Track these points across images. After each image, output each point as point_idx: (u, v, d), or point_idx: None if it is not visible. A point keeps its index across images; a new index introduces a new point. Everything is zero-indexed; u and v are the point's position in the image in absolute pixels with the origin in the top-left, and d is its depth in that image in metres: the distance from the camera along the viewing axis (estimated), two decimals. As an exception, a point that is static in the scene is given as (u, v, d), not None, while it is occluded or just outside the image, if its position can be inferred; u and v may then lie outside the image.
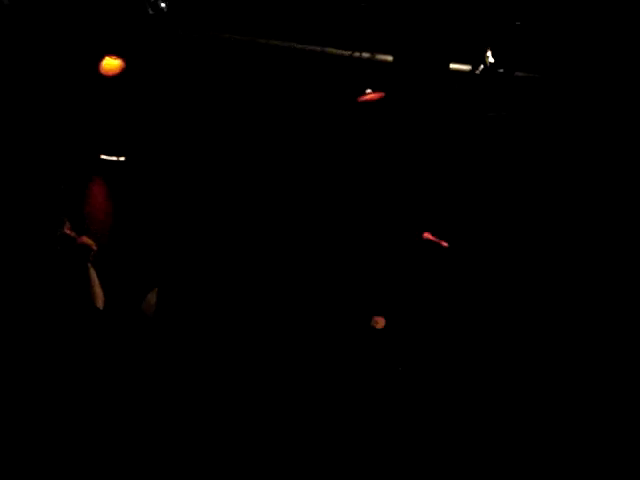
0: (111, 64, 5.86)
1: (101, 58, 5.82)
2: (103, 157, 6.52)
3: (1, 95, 5.41)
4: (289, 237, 6.36)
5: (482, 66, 5.98)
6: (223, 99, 6.39)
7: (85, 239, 5.00)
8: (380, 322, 5.85)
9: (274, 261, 6.13)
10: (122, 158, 6.62)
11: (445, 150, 6.72)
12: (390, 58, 6.12)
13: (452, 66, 6.11)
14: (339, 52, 6.02)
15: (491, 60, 5.94)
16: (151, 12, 5.24)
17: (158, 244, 6.38)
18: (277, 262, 6.15)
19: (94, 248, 5.02)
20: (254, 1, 5.52)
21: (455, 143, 6.67)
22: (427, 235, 6.14)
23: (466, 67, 6.15)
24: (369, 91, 6.37)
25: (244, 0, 5.49)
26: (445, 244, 5.94)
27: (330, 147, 6.70)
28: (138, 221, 6.48)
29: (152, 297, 5.20)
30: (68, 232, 4.98)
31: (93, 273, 4.98)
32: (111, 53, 5.73)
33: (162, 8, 5.21)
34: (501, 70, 5.93)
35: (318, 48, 5.98)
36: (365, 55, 6.08)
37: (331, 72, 6.25)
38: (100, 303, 4.53)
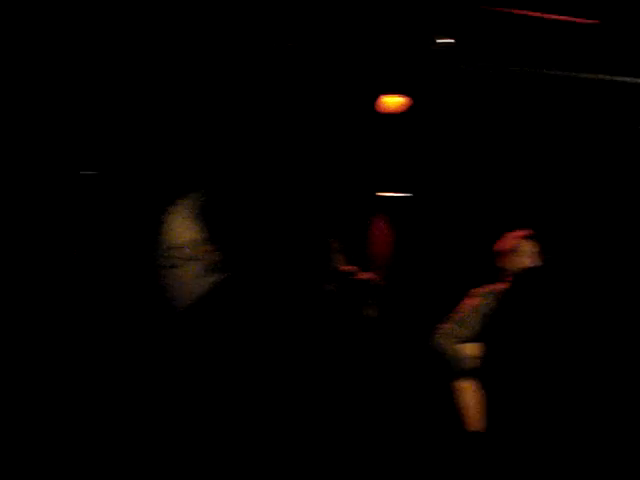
0: (394, 102, 5.94)
1: (381, 95, 5.92)
2: (386, 194, 6.61)
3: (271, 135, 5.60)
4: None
5: None
6: (504, 133, 6.30)
7: (367, 275, 5.04)
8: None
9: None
10: (405, 194, 6.68)
11: None
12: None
13: None
14: (633, 80, 5.75)
15: None
16: (434, 47, 5.26)
17: (440, 279, 6.37)
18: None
19: (377, 283, 5.06)
20: (537, 33, 5.39)
21: None
22: None
23: None
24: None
25: (527, 33, 5.38)
26: None
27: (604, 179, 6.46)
28: (420, 257, 6.52)
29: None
30: (345, 268, 5.05)
31: (373, 308, 5.03)
32: (393, 91, 5.82)
33: (446, 43, 5.22)
34: None
35: (607, 77, 5.75)
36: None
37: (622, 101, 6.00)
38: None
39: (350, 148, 5.80)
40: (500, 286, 5.39)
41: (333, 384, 1.50)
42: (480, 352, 5.32)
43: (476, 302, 5.39)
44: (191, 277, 5.63)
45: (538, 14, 4.95)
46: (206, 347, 1.57)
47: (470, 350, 5.34)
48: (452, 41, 5.21)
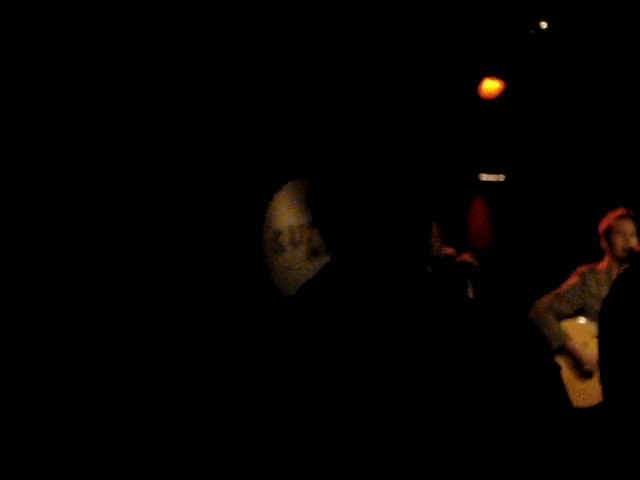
0: (491, 86, 5.99)
1: (481, 80, 5.96)
2: (484, 177, 6.67)
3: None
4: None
5: None
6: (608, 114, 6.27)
7: (466, 256, 5.14)
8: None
9: None
10: (502, 178, 6.72)
11: None
12: None
13: None
14: None
15: None
16: (532, 32, 5.29)
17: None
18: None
19: (475, 265, 5.15)
20: (628, 15, 5.36)
21: None
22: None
23: None
24: None
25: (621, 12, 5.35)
26: None
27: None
28: (517, 239, 6.55)
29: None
30: (447, 251, 5.14)
31: (471, 290, 5.12)
32: (492, 75, 5.86)
33: (543, 28, 5.24)
34: None
35: None
36: None
37: None
38: None
39: (451, 132, 5.88)
40: (603, 264, 5.42)
41: (443, 370, 1.52)
42: (580, 330, 5.37)
43: (579, 280, 5.43)
44: (296, 261, 5.81)
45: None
46: (313, 335, 1.56)
47: (569, 327, 5.40)
48: (546, 25, 5.23)
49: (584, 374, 5.29)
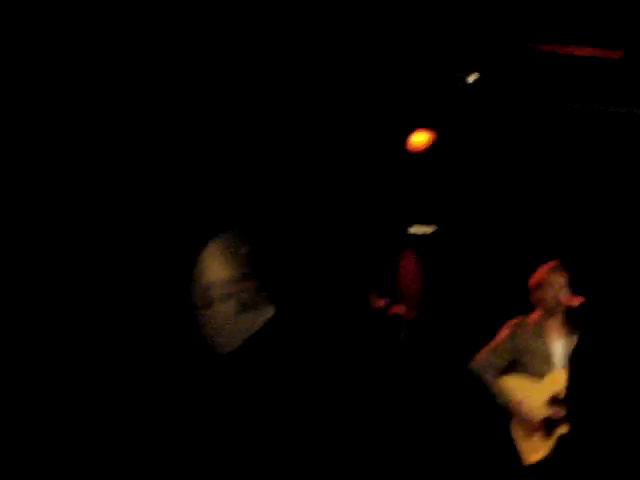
0: (420, 138, 6.00)
1: (411, 133, 5.97)
2: (413, 231, 6.67)
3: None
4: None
5: None
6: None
7: (398, 308, 5.11)
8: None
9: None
10: (431, 229, 6.73)
11: None
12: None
13: None
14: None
15: None
16: (461, 85, 5.32)
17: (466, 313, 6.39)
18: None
19: (408, 316, 5.12)
20: (557, 66, 5.45)
21: None
22: None
23: None
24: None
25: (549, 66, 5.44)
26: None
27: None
28: (449, 290, 6.54)
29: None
30: (379, 304, 5.11)
31: (403, 340, 5.10)
32: (421, 127, 5.88)
33: (472, 80, 5.28)
34: None
35: (624, 109, 5.79)
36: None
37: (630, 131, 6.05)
38: None
39: (380, 185, 5.87)
40: (534, 317, 5.42)
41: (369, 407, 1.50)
42: (520, 384, 5.36)
43: (510, 333, 5.43)
44: (226, 316, 5.69)
45: (564, 49, 5.01)
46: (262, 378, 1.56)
47: (511, 382, 5.37)
48: (478, 76, 5.27)
49: (530, 429, 5.26)
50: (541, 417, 5.20)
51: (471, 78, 5.32)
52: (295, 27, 4.87)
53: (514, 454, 5.20)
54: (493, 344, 5.41)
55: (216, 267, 5.65)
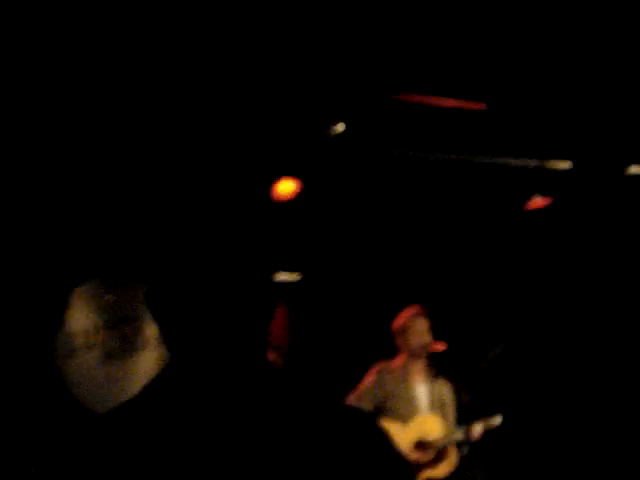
0: (286, 187, 6.02)
1: (276, 181, 5.98)
2: (279, 278, 6.67)
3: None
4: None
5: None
6: (391, 212, 6.47)
7: (269, 356, 5.09)
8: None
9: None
10: (297, 277, 6.76)
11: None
12: (559, 164, 6.07)
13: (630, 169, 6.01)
14: (507, 161, 5.99)
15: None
16: (327, 134, 5.38)
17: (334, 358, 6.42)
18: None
19: (277, 363, 5.09)
20: (423, 117, 5.60)
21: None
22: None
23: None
24: (537, 198, 6.34)
25: (414, 117, 5.57)
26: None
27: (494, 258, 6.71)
28: (315, 336, 6.56)
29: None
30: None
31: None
32: (287, 175, 5.90)
33: (340, 130, 5.35)
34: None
35: (487, 159, 6.00)
36: (533, 163, 6.06)
37: (500, 182, 6.26)
38: None
39: (245, 234, 5.85)
40: (399, 361, 5.50)
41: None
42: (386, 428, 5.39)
43: (376, 378, 5.48)
44: (90, 365, 5.54)
45: (430, 100, 5.15)
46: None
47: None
48: (344, 127, 5.35)
49: None
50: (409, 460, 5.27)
51: (338, 127, 5.40)
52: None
53: None
54: (359, 389, 5.45)
55: (79, 315, 5.50)
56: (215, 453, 1.44)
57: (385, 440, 1.53)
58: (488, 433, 5.48)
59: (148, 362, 5.51)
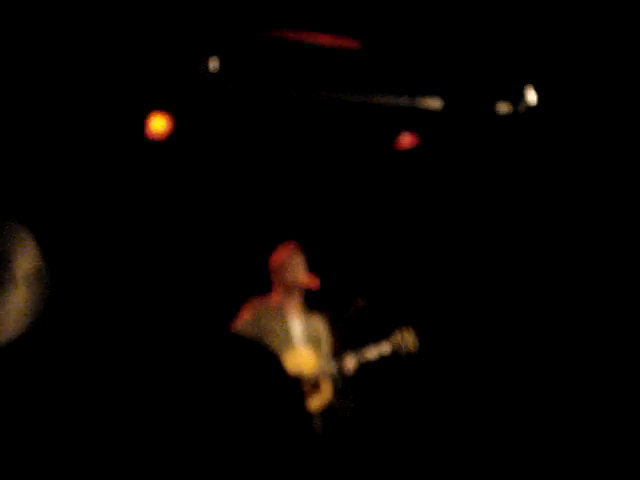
0: (159, 124, 5.91)
1: (149, 115, 5.87)
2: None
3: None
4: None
5: (524, 105, 6.00)
6: (266, 151, 6.47)
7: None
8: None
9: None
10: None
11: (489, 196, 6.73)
12: (429, 102, 6.15)
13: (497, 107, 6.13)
14: (379, 99, 6.03)
15: (533, 98, 5.96)
16: (202, 71, 5.31)
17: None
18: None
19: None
20: (300, 56, 5.57)
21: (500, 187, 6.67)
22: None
23: (507, 107, 6.17)
24: (405, 135, 6.42)
25: (291, 55, 5.54)
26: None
27: (367, 196, 6.78)
28: (190, 274, 6.53)
29: None
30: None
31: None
32: (159, 110, 5.79)
33: (213, 68, 5.29)
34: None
35: (363, 98, 6.03)
36: (404, 101, 6.12)
37: (371, 120, 6.32)
38: None
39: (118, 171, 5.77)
40: (275, 298, 5.55)
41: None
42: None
43: (252, 314, 5.52)
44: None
45: (303, 37, 5.12)
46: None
47: None
48: (217, 63, 5.29)
49: None
50: None
51: (212, 63, 5.33)
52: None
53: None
54: (236, 325, 5.48)
55: None
56: (98, 393, 1.42)
57: (276, 361, 1.53)
58: (364, 367, 5.60)
59: (19, 300, 5.39)
